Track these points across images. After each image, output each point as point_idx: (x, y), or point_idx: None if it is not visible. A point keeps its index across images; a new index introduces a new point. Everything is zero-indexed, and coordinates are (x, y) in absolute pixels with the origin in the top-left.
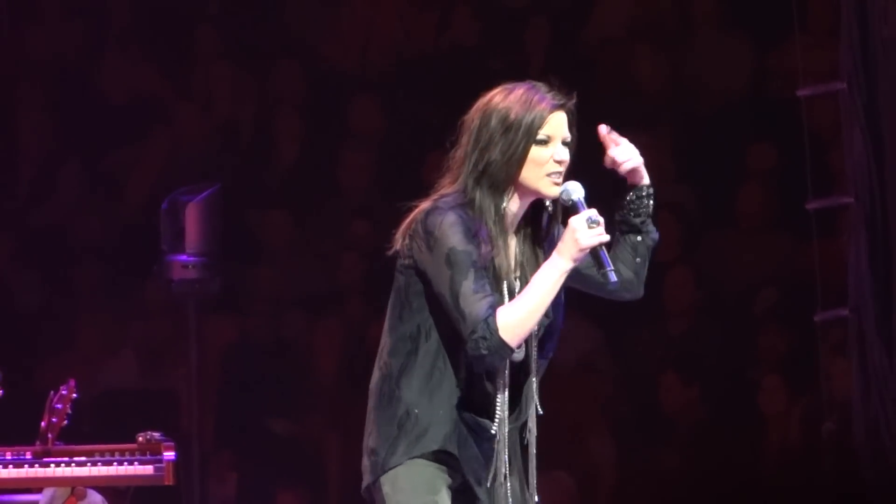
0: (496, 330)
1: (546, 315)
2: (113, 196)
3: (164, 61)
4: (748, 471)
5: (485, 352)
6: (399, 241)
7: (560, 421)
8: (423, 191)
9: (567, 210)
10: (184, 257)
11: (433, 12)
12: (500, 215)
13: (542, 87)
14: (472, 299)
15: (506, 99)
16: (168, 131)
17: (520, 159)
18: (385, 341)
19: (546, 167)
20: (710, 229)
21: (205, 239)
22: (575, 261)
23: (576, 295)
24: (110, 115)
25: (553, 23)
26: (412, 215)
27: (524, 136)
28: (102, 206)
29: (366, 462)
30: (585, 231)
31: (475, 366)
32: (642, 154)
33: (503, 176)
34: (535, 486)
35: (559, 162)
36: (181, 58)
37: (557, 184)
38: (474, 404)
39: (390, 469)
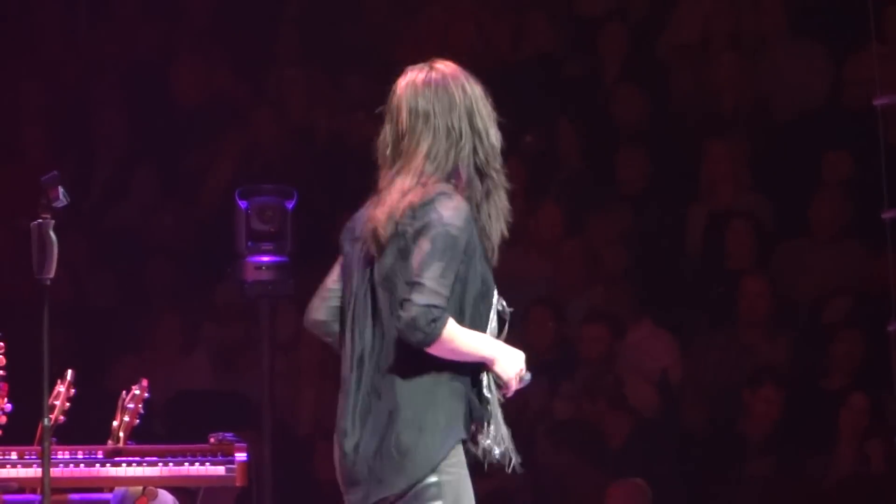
0: (444, 325)
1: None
2: (187, 197)
3: (240, 64)
4: (821, 481)
5: (424, 328)
6: (381, 236)
7: (634, 430)
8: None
9: None
10: (257, 259)
11: (509, 19)
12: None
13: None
14: (439, 283)
15: (446, 78)
16: (243, 133)
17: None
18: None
19: None
20: (784, 238)
21: (279, 241)
22: (493, 363)
23: (655, 307)
24: (185, 116)
25: (629, 30)
26: (402, 209)
27: (483, 102)
28: (176, 207)
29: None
30: (515, 374)
31: (405, 334)
32: (718, 164)
33: (495, 139)
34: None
35: None
36: (257, 60)
37: None
38: (469, 375)
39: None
